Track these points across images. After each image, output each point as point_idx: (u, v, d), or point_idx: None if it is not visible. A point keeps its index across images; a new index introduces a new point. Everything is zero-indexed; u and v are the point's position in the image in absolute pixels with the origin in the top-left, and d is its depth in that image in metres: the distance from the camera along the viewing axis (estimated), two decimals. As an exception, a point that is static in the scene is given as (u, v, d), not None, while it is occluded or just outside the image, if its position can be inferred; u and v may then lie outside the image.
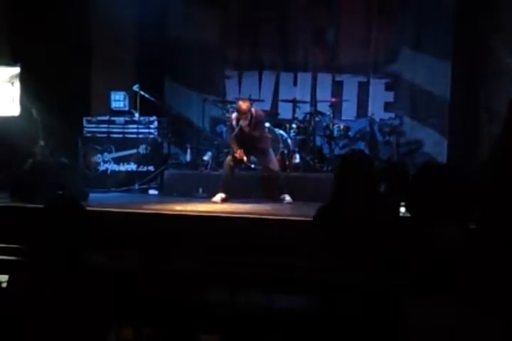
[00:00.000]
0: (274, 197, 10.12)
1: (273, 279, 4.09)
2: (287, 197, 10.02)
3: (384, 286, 2.98)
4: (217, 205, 9.70)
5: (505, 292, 2.32)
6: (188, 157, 11.92)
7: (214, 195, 10.07)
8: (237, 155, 10.14)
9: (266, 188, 10.33)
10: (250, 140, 10.10)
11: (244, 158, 10.20)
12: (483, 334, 2.39)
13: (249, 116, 10.02)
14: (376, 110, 12.58)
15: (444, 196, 2.88)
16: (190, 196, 10.60)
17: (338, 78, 12.94)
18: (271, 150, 10.35)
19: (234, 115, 10.21)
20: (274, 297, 3.98)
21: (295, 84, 13.20)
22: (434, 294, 2.62)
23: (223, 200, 9.97)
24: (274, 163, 10.26)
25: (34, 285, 3.65)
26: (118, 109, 11.97)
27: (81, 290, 3.65)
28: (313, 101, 12.14)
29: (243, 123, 10.01)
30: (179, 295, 4.12)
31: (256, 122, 10.08)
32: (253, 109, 10.20)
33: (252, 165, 10.87)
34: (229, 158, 10.25)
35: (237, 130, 10.02)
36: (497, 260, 2.33)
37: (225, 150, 11.14)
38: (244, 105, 10.04)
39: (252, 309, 4.00)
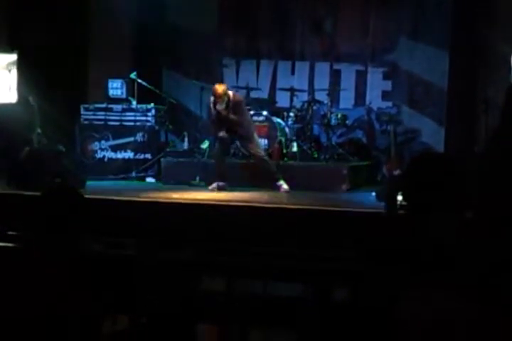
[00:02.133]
0: (270, 185, 10.08)
1: (270, 267, 4.10)
2: (284, 186, 9.97)
3: (379, 274, 2.99)
4: (214, 193, 9.71)
5: (502, 281, 2.33)
6: (186, 145, 11.91)
7: (211, 183, 10.07)
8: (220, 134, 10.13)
9: (257, 175, 10.29)
10: (230, 124, 10.02)
11: (222, 133, 10.13)
12: (481, 325, 2.40)
13: (225, 100, 9.94)
14: (374, 99, 12.59)
15: (440, 185, 2.89)
16: (187, 184, 10.59)
17: (335, 67, 12.93)
18: (255, 136, 10.23)
19: (211, 99, 10.15)
20: (271, 285, 3.99)
21: (293, 72, 13.19)
22: (430, 283, 2.63)
23: (220, 188, 9.97)
24: (259, 149, 10.16)
25: (31, 272, 3.66)
26: (115, 96, 11.95)
27: (78, 278, 3.66)
28: (311, 90, 12.13)
29: (219, 107, 9.92)
30: (176, 283, 4.13)
31: (234, 106, 9.97)
32: (231, 93, 10.11)
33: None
34: (217, 146, 10.21)
35: (214, 114, 10.00)
36: (493, 249, 2.34)
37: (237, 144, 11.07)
38: (219, 89, 9.94)
39: (249, 297, 4.01)
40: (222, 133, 10.07)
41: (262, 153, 10.19)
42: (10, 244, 4.17)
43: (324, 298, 3.78)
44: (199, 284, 4.21)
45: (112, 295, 3.88)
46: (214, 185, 9.99)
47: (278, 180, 10.02)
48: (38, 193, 3.97)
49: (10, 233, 4.87)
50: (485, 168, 2.45)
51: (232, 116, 9.92)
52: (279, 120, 11.38)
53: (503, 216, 2.33)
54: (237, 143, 10.69)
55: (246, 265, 4.19)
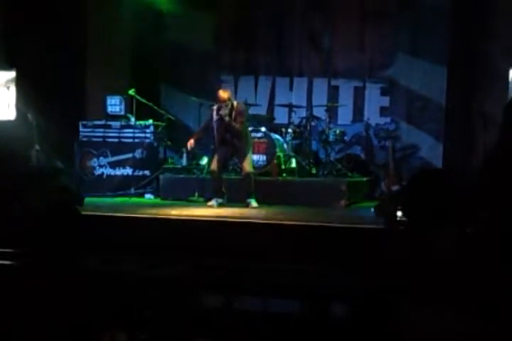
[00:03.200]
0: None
1: (268, 284, 4.09)
2: (253, 203, 9.94)
3: (381, 291, 2.98)
4: (212, 209, 9.68)
5: (501, 296, 2.32)
6: (184, 161, 11.91)
7: (210, 199, 10.06)
8: (188, 144, 10.22)
9: (256, 191, 10.29)
10: (230, 133, 10.01)
11: (189, 146, 10.27)
12: (480, 338, 2.39)
13: (229, 106, 9.97)
14: (372, 115, 12.60)
15: (440, 200, 2.89)
16: (185, 200, 10.58)
17: (333, 83, 12.96)
18: (250, 152, 10.24)
19: (215, 106, 10.13)
20: (269, 301, 3.97)
21: (291, 88, 13.22)
22: (431, 299, 2.62)
23: (219, 204, 9.96)
24: (249, 165, 10.11)
25: (28, 288, 3.64)
26: (114, 113, 11.96)
27: (75, 294, 3.64)
28: (309, 106, 12.15)
29: (223, 112, 9.93)
30: (174, 299, 4.11)
31: (237, 113, 9.98)
32: (235, 101, 10.16)
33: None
34: (213, 164, 10.18)
35: (215, 120, 9.99)
36: (492, 265, 2.33)
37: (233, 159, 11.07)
38: (223, 93, 10.01)
39: (247, 313, 4.00)
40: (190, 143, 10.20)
41: (251, 169, 10.15)
42: (7, 262, 4.16)
43: (322, 314, 3.77)
44: (197, 300, 4.19)
45: (110, 312, 3.86)
46: (213, 201, 9.97)
47: (250, 197, 10.00)
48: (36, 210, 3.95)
49: (7, 250, 4.86)
50: (484, 184, 2.45)
51: (234, 124, 9.93)
52: (277, 136, 11.39)
53: (503, 230, 2.33)
54: (235, 159, 10.69)
55: (244, 281, 4.18)
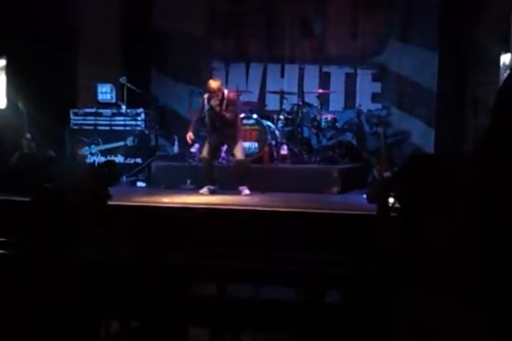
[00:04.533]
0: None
1: (261, 271, 4.09)
2: (246, 190, 9.93)
3: (372, 278, 2.98)
4: (205, 197, 9.68)
5: (493, 285, 2.33)
6: (176, 149, 11.90)
7: (202, 186, 10.05)
8: (188, 137, 10.22)
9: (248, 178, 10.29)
10: (221, 122, 9.99)
11: (189, 139, 10.27)
12: (471, 329, 2.40)
13: (220, 96, 9.93)
14: (363, 101, 12.61)
15: (432, 187, 2.88)
16: (178, 188, 10.57)
17: (325, 69, 12.96)
18: (241, 141, 10.23)
19: (206, 95, 10.10)
20: (263, 289, 3.98)
21: (282, 75, 13.21)
22: (422, 285, 2.62)
23: (211, 192, 9.96)
24: (241, 152, 10.09)
25: (23, 278, 3.64)
26: (105, 101, 11.92)
27: (66, 283, 3.64)
28: (301, 93, 12.14)
29: (214, 102, 9.91)
30: (167, 288, 4.11)
31: (228, 103, 9.96)
32: (226, 90, 10.13)
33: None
34: (204, 151, 10.17)
35: (206, 110, 9.98)
36: (483, 253, 2.34)
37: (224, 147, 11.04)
38: (213, 84, 9.95)
39: (241, 301, 4.00)
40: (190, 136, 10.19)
41: (243, 157, 10.15)
42: (0, 251, 4.15)
43: (316, 301, 3.77)
44: (190, 288, 4.19)
45: (105, 301, 3.85)
46: (205, 188, 9.97)
47: (243, 184, 9.98)
48: (28, 198, 3.95)
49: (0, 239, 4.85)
50: (473, 170, 2.45)
51: (225, 113, 9.91)
52: (269, 123, 11.38)
53: (493, 217, 2.33)
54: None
55: (237, 269, 4.18)
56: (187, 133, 10.24)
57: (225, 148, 10.70)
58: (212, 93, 9.90)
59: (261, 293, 3.95)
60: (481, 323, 2.38)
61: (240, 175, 10.05)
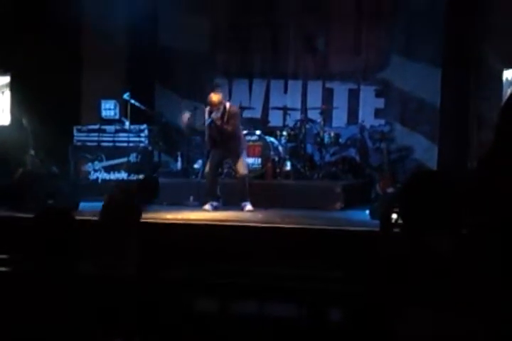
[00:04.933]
0: (264, 203, 10.07)
1: (264, 288, 4.08)
2: (248, 206, 9.91)
3: (370, 296, 2.97)
4: (208, 213, 9.66)
5: (496, 300, 2.32)
6: (179, 165, 11.90)
7: (205, 202, 10.03)
8: (184, 117, 10.30)
9: (251, 194, 10.27)
10: (222, 135, 9.97)
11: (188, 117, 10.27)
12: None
13: (221, 109, 9.92)
14: (366, 117, 12.60)
15: (436, 203, 2.88)
16: (181, 204, 10.54)
17: (328, 85, 12.97)
18: (244, 154, 10.22)
19: (207, 109, 10.10)
20: (265, 305, 3.96)
21: (285, 91, 13.22)
22: (427, 302, 2.61)
23: (215, 208, 9.94)
24: (244, 167, 10.09)
25: (22, 295, 3.63)
26: (108, 117, 11.94)
27: (70, 300, 3.63)
28: (304, 109, 12.15)
29: (215, 115, 9.90)
30: (170, 304, 4.11)
31: (229, 116, 9.96)
32: (227, 104, 10.14)
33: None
34: (207, 167, 10.15)
35: (207, 124, 9.96)
36: (485, 269, 2.33)
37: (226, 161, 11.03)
38: (215, 97, 9.94)
39: (243, 317, 3.99)
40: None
41: (246, 172, 10.14)
42: (2, 268, 4.14)
43: (319, 318, 3.75)
44: (193, 304, 4.18)
45: (105, 317, 3.84)
46: (208, 205, 9.95)
47: (245, 200, 9.97)
48: (30, 215, 3.94)
49: (1, 256, 4.84)
50: (477, 186, 2.45)
51: (226, 126, 9.90)
52: (272, 139, 11.38)
53: (495, 232, 2.33)
54: (230, 162, 10.69)
55: (240, 285, 4.17)
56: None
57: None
58: (213, 106, 9.90)
59: (263, 310, 3.94)
60: (486, 334, 2.37)
61: (242, 191, 10.03)
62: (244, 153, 10.26)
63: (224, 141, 10.01)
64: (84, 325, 3.64)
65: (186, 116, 10.27)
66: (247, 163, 10.40)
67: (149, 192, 7.33)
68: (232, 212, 9.73)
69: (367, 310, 2.90)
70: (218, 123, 9.90)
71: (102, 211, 7.11)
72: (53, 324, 3.58)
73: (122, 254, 5.73)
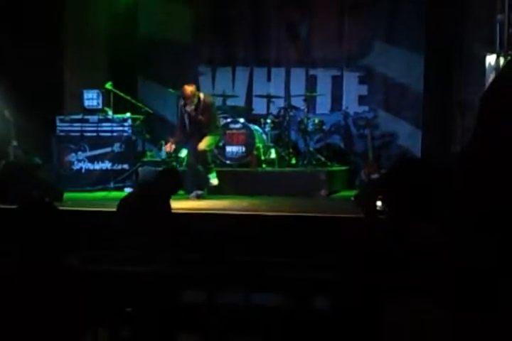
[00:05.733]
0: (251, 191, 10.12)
1: (250, 277, 4.08)
2: (214, 180, 10.02)
3: (360, 281, 2.97)
4: (193, 202, 9.67)
5: (480, 292, 2.32)
6: (163, 154, 11.87)
7: (190, 191, 10.02)
8: (167, 147, 10.29)
9: (237, 182, 10.28)
10: (197, 125, 10.02)
11: (171, 148, 10.31)
12: (461, 332, 2.39)
13: (195, 101, 9.94)
14: (350, 103, 12.62)
15: (419, 191, 2.88)
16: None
17: (311, 72, 12.96)
18: (215, 139, 10.26)
19: (182, 102, 10.13)
20: (252, 295, 3.96)
21: (269, 79, 13.20)
22: (412, 290, 2.61)
23: (199, 196, 9.93)
24: (205, 145, 10.05)
25: (6, 287, 3.61)
26: (91, 107, 11.88)
27: (54, 293, 3.61)
28: (287, 96, 12.15)
29: (189, 108, 9.94)
30: (156, 295, 4.10)
31: (204, 107, 9.99)
32: (201, 95, 10.13)
33: (228, 161, 10.98)
34: (190, 158, 10.16)
35: (182, 115, 10.04)
36: (470, 257, 2.33)
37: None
38: (188, 90, 9.95)
39: (230, 308, 3.99)
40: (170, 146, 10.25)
41: (207, 148, 10.07)
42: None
43: (305, 307, 3.76)
44: (180, 295, 4.18)
45: (92, 309, 3.83)
46: (193, 193, 9.95)
47: (209, 173, 10.03)
48: (15, 206, 3.93)
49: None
50: (460, 174, 2.45)
51: (201, 117, 9.92)
52: (256, 127, 11.38)
53: (479, 220, 2.32)
54: (215, 150, 10.70)
55: (226, 275, 4.17)
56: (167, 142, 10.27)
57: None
58: (187, 99, 9.92)
59: (249, 300, 3.94)
60: (472, 329, 2.37)
61: (205, 165, 10.06)
62: (217, 138, 10.30)
63: (198, 131, 10.06)
64: (67, 316, 3.63)
65: (170, 145, 10.25)
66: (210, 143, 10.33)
67: (171, 184, 7.32)
68: (217, 200, 9.73)
69: (353, 298, 2.91)
70: (193, 114, 9.95)
71: (122, 207, 7.02)
72: (38, 316, 3.57)
73: (152, 248, 5.73)
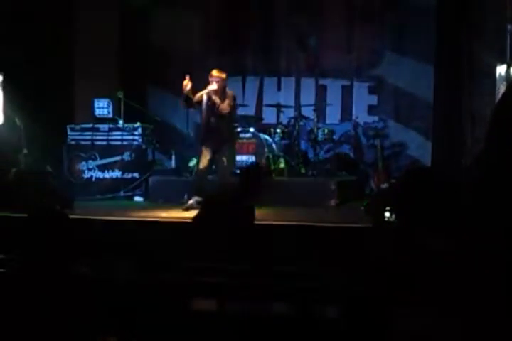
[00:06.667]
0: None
1: (257, 287, 4.08)
2: (197, 199, 9.54)
3: (366, 293, 2.97)
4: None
5: (485, 302, 2.32)
6: (173, 163, 11.89)
7: (189, 198, 9.84)
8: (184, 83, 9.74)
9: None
10: (216, 116, 9.66)
11: (188, 87, 9.71)
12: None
13: (220, 85, 9.60)
14: (360, 113, 12.63)
15: (429, 202, 2.88)
16: (175, 202, 10.53)
17: (321, 82, 12.98)
18: (232, 149, 10.05)
19: (203, 92, 9.77)
20: (261, 304, 3.97)
21: (279, 88, 13.23)
22: (421, 300, 2.61)
23: (199, 203, 9.71)
24: (229, 165, 9.82)
25: (17, 296, 3.63)
26: (102, 116, 11.93)
27: (64, 301, 3.63)
28: (297, 106, 12.17)
29: (212, 87, 9.59)
30: (166, 305, 4.10)
31: (226, 96, 9.67)
32: (227, 88, 9.86)
33: (237, 171, 10.94)
34: (201, 164, 9.85)
35: (204, 99, 9.65)
36: (476, 272, 2.34)
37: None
38: (216, 71, 9.69)
39: (239, 317, 3.99)
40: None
41: (231, 168, 9.91)
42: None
43: (312, 317, 3.76)
44: (189, 304, 4.18)
45: (102, 316, 3.84)
46: (192, 200, 9.67)
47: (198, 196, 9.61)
48: (25, 215, 3.94)
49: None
50: (471, 186, 2.45)
51: (222, 105, 9.58)
52: (266, 136, 11.40)
53: (488, 233, 2.33)
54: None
55: (236, 284, 4.17)
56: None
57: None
58: (214, 77, 9.63)
59: (259, 309, 3.94)
60: (475, 335, 2.37)
61: (202, 188, 9.69)
62: (235, 147, 10.20)
63: (216, 124, 9.74)
64: (77, 325, 3.65)
65: (188, 84, 9.85)
66: (234, 162, 10.23)
67: (254, 184, 6.58)
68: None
69: (362, 308, 2.91)
70: (214, 98, 9.61)
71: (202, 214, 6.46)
72: (48, 324, 3.58)
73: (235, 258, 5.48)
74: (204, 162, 9.82)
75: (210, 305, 4.06)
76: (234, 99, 9.96)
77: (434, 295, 2.54)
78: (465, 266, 2.52)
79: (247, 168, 7.34)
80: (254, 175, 6.73)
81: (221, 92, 9.71)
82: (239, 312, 4.04)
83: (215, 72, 9.72)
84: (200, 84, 12.78)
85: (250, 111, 12.75)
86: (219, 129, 9.77)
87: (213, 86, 9.65)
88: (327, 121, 12.73)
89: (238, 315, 3.99)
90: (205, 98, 9.74)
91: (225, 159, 9.79)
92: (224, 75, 9.81)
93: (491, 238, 2.34)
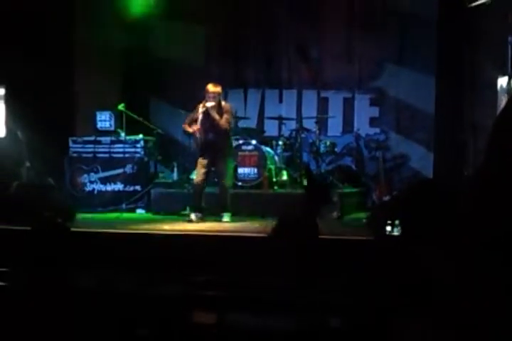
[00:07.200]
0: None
1: (259, 299, 4.07)
2: (226, 218, 9.77)
3: (369, 307, 2.96)
4: (205, 224, 9.59)
5: (486, 314, 2.32)
6: (175, 175, 11.90)
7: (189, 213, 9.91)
8: (193, 128, 9.83)
9: (245, 204, 10.21)
10: (213, 130, 9.74)
11: (194, 129, 9.82)
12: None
13: (216, 100, 9.71)
14: (362, 125, 12.64)
15: (430, 215, 2.88)
16: (177, 215, 10.54)
17: (323, 94, 12.99)
18: (231, 164, 10.13)
19: (200, 105, 9.85)
20: (262, 317, 3.96)
21: (280, 101, 13.25)
22: (418, 316, 2.61)
23: (200, 219, 9.77)
24: (228, 177, 9.95)
25: (20, 309, 3.62)
26: (104, 128, 11.95)
27: (67, 313, 3.62)
28: (299, 118, 12.18)
29: (209, 104, 9.67)
30: (168, 317, 4.10)
31: (224, 111, 9.76)
32: (223, 101, 9.97)
33: (239, 183, 10.96)
34: (197, 176, 9.95)
35: (201, 111, 9.70)
36: (484, 282, 2.33)
37: (212, 169, 11.01)
38: (213, 86, 9.75)
39: (240, 330, 3.98)
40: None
41: (230, 182, 10.04)
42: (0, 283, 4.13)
43: (315, 329, 3.75)
44: (190, 317, 4.17)
45: (104, 330, 3.83)
46: (192, 215, 9.79)
47: (225, 211, 9.84)
48: (27, 228, 3.94)
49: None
50: (472, 198, 2.45)
51: (220, 120, 9.67)
52: (268, 149, 11.41)
53: (489, 246, 2.32)
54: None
55: (237, 297, 4.16)
56: (185, 126, 10.05)
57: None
58: (210, 93, 9.72)
59: (260, 322, 3.93)
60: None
61: (223, 202, 9.91)
62: (232, 162, 10.20)
63: (214, 139, 9.81)
64: (82, 337, 3.64)
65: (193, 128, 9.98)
66: (231, 173, 10.25)
67: (320, 199, 6.58)
68: (228, 223, 9.71)
69: (363, 321, 2.91)
70: (213, 114, 9.68)
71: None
72: (50, 336, 3.57)
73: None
74: (200, 175, 9.88)
75: (212, 319, 4.05)
76: (230, 111, 10.04)
77: (436, 307, 2.54)
78: (464, 277, 2.51)
79: (316, 186, 7.37)
80: (322, 192, 6.80)
81: (218, 107, 9.80)
82: (240, 325, 4.03)
83: (210, 88, 9.77)
84: (201, 96, 12.87)
85: (252, 123, 12.76)
86: (217, 144, 9.84)
87: (211, 103, 9.73)
88: (329, 134, 12.74)
89: (239, 328, 3.99)
90: (201, 116, 9.80)
91: (224, 173, 9.86)
92: (219, 89, 9.90)
93: (490, 248, 2.33)
